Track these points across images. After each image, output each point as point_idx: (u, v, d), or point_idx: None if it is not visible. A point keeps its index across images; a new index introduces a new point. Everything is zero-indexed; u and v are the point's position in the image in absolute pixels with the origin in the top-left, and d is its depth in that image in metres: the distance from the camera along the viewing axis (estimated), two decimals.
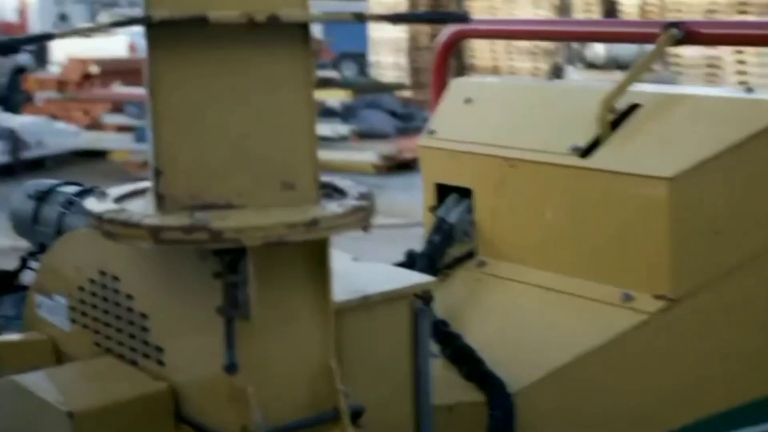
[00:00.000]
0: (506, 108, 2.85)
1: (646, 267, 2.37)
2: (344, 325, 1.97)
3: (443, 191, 2.81)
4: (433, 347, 2.31)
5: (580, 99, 2.73)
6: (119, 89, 12.08)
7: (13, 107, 14.21)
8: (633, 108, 2.59)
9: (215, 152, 1.63)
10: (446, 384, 2.30)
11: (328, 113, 13.70)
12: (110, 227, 1.62)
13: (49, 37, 1.76)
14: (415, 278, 2.13)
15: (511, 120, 2.79)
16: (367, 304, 2.00)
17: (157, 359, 1.83)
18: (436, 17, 2.01)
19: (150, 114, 1.64)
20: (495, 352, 2.38)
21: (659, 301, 2.34)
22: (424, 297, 2.14)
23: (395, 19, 1.89)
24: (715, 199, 2.39)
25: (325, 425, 1.75)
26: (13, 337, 2.18)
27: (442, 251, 2.68)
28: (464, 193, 2.76)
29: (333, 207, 1.67)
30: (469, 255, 2.75)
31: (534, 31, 3.95)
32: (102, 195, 1.78)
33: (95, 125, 12.10)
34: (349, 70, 21.31)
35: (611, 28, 3.80)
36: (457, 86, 3.04)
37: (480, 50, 19.22)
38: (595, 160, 2.49)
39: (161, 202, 1.64)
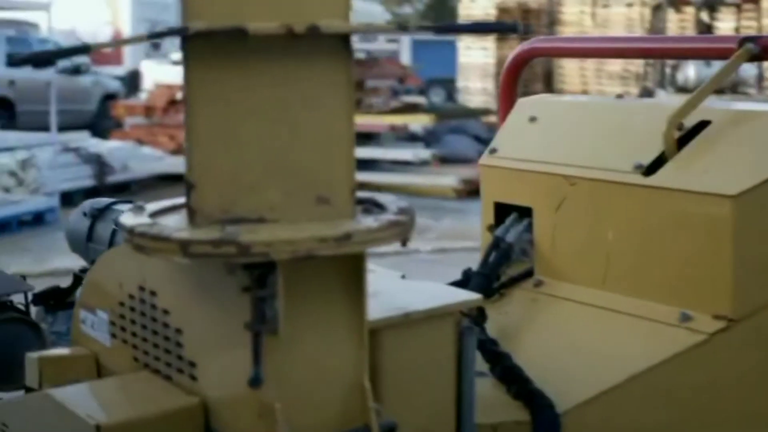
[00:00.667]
0: (570, 126, 2.78)
1: (706, 286, 2.27)
2: (384, 343, 1.92)
3: (503, 211, 2.74)
4: (484, 366, 2.26)
5: (647, 116, 2.65)
6: None
7: (101, 133, 14.51)
8: (702, 125, 2.50)
9: (249, 166, 1.60)
10: (493, 403, 2.23)
11: (411, 138, 13.70)
12: (141, 241, 1.59)
13: (84, 49, 1.75)
14: (462, 296, 2.07)
15: (574, 138, 2.72)
16: (408, 321, 1.94)
17: (190, 374, 1.79)
18: (484, 28, 1.95)
19: (186, 126, 1.62)
20: (547, 371, 2.31)
21: (719, 322, 2.24)
22: (470, 315, 2.08)
23: (441, 29, 1.83)
24: None
25: None
26: (56, 351, 2.17)
27: (498, 270, 2.62)
28: (524, 213, 2.69)
29: (368, 221, 1.62)
30: (528, 274, 2.68)
31: (606, 48, 3.87)
32: (138, 209, 1.76)
33: (180, 150, 12.27)
34: (437, 96, 21.37)
35: (685, 44, 3.69)
36: (523, 105, 2.97)
37: (570, 75, 19.14)
38: (658, 178, 2.40)
39: (193, 215, 1.61)
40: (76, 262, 8.61)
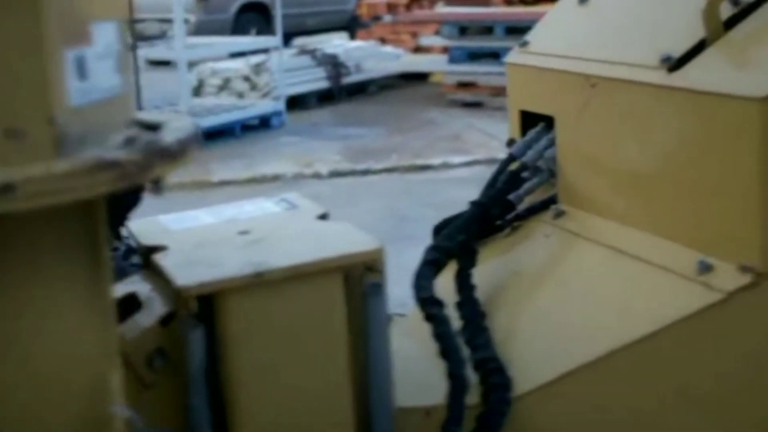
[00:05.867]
0: (615, 8, 2.14)
1: (731, 226, 1.64)
2: (230, 311, 1.48)
3: (531, 121, 2.17)
4: None
5: None
6: (441, 10, 11.73)
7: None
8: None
9: None
10: (434, 381, 1.73)
11: None
12: None
13: None
14: (356, 246, 1.58)
15: (609, 24, 2.09)
16: (261, 282, 1.49)
17: None
18: None
19: None
20: (523, 340, 1.79)
21: (744, 276, 1.61)
22: (375, 268, 1.58)
23: None
24: None
25: None
26: None
27: (503, 197, 2.05)
28: (551, 123, 2.11)
29: (60, 165, 1.15)
30: (550, 202, 2.10)
31: None
32: None
33: (420, 48, 11.88)
34: None
35: None
36: None
37: None
38: (681, 76, 1.77)
39: None
40: (288, 168, 8.56)
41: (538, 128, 2.12)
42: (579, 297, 1.84)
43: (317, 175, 7.95)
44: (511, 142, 2.17)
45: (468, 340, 1.78)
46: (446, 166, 8.03)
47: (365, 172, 8.02)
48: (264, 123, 9.90)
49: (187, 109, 9.36)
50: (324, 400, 1.55)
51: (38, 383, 1.23)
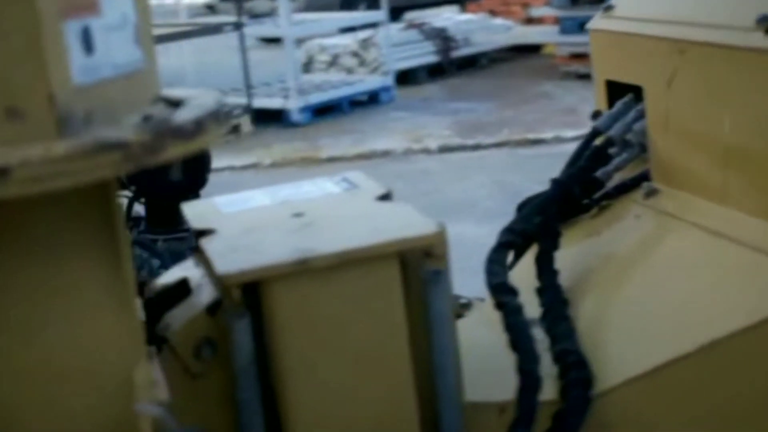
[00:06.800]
0: None
1: None
2: (272, 300, 1.38)
3: (619, 92, 2.01)
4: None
5: None
6: None
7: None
8: None
9: None
10: (509, 375, 1.59)
11: None
12: None
13: None
14: (416, 229, 1.46)
15: None
16: (308, 269, 1.38)
17: None
18: None
19: None
20: (611, 329, 1.64)
21: None
22: (432, 254, 1.45)
23: None
24: None
25: None
26: None
27: (587, 175, 1.91)
28: (641, 94, 1.95)
29: (56, 147, 1.06)
30: (642, 179, 1.95)
31: None
32: None
33: (532, 20, 11.63)
34: None
35: None
36: None
37: None
38: None
39: None
40: (397, 144, 8.52)
41: (626, 99, 1.97)
42: (673, 284, 1.68)
43: (426, 151, 7.85)
44: (596, 115, 2.02)
45: (548, 329, 1.64)
46: (559, 140, 7.83)
47: (475, 147, 7.89)
48: (372, 98, 9.83)
49: (295, 85, 9.34)
50: (385, 394, 1.43)
51: (54, 376, 1.15)
